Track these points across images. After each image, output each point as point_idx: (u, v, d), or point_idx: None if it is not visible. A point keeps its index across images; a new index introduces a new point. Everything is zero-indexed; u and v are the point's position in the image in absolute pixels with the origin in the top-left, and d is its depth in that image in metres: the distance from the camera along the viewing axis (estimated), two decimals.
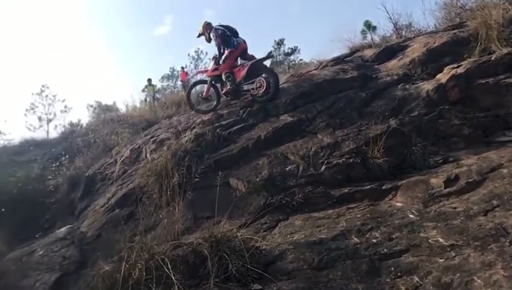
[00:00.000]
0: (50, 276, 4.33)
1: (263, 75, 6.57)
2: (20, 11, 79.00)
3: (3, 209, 6.80)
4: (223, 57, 7.04)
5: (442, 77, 5.45)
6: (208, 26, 7.33)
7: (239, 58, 7.21)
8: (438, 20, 9.42)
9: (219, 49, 7.09)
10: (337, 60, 7.95)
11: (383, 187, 3.90)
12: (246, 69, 6.73)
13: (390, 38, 9.97)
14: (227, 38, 7.01)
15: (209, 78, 7.46)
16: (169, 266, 2.80)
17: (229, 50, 6.98)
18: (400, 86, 5.81)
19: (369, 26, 11.01)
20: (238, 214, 4.01)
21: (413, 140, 4.59)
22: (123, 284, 2.82)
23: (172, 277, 2.70)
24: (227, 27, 7.17)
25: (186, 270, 2.98)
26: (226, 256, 2.91)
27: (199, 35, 7.56)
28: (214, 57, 7.44)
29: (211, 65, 7.68)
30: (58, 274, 4.36)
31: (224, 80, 7.01)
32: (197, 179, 4.74)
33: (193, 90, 8.39)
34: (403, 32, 10.31)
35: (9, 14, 73.74)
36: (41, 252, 4.93)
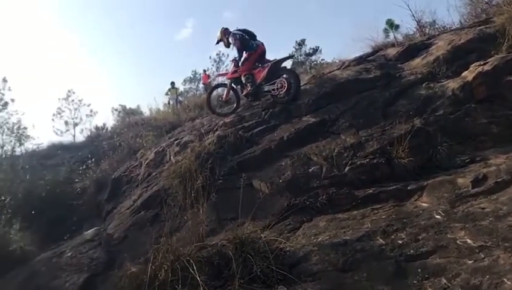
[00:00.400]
0: (78, 277, 4.43)
1: (284, 75, 6.57)
2: (40, 13, 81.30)
3: (33, 212, 7.01)
4: (242, 59, 7.10)
5: (468, 74, 5.32)
6: (225, 32, 7.41)
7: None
8: (463, 17, 9.25)
9: (239, 52, 7.12)
10: (360, 60, 7.87)
11: (408, 187, 3.84)
12: (266, 70, 6.74)
13: (414, 36, 9.79)
14: (245, 41, 7.06)
15: (229, 80, 7.53)
16: (195, 267, 2.83)
17: (248, 53, 7.05)
18: (424, 84, 5.70)
19: (392, 25, 10.82)
20: (261, 215, 3.99)
21: (439, 139, 4.49)
22: (149, 285, 2.86)
23: (198, 278, 2.73)
24: (244, 31, 7.23)
25: (211, 271, 3.00)
26: (251, 257, 2.92)
27: (218, 42, 7.67)
28: (233, 60, 7.48)
29: (231, 68, 7.74)
30: (87, 275, 4.44)
31: (244, 82, 7.05)
32: (220, 181, 4.78)
33: (214, 93, 8.43)
34: (427, 30, 10.10)
35: (33, 15, 76.02)
36: (69, 254, 5.05)
